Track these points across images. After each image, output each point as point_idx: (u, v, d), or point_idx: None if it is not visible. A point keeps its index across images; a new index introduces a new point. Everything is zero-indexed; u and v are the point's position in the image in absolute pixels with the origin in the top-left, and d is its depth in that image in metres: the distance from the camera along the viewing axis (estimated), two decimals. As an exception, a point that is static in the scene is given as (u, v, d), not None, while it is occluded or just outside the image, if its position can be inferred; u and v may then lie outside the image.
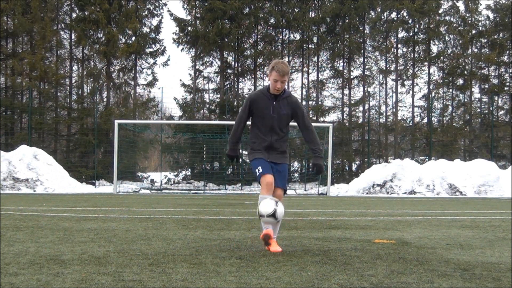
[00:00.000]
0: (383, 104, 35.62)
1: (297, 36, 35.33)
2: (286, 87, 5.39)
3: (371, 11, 34.76)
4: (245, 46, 34.99)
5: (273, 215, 5.04)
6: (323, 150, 5.33)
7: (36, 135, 32.11)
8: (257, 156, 5.32)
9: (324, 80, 35.33)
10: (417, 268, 4.27)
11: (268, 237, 5.16)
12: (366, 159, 32.27)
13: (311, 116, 33.67)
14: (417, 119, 35.41)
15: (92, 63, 33.76)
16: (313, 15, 34.80)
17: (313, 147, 5.35)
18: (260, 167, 5.26)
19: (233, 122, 5.64)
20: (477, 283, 3.74)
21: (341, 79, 34.95)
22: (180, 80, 34.54)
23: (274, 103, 5.28)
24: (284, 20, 34.06)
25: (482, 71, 35.19)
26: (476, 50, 35.25)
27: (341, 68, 35.14)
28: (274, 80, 5.21)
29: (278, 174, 5.32)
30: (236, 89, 34.68)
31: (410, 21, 34.68)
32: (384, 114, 35.33)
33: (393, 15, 35.15)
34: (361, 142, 34.57)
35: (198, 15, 33.82)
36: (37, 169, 23.47)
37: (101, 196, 19.29)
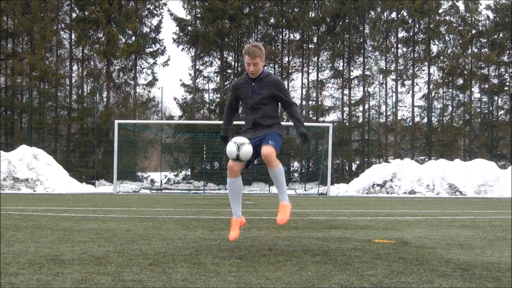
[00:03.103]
0: (383, 104, 35.64)
1: (297, 36, 35.32)
2: (266, 68, 5.53)
3: (371, 11, 34.75)
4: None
5: (237, 158, 5.48)
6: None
7: (36, 135, 32.10)
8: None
9: (324, 80, 35.32)
10: (417, 268, 4.27)
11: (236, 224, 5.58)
12: (366, 159, 32.25)
13: (311, 116, 33.67)
14: (417, 119, 35.42)
15: (92, 63, 33.76)
16: (313, 15, 34.78)
17: (296, 120, 5.52)
18: None
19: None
20: (477, 283, 3.74)
21: (341, 79, 34.95)
22: (180, 80, 34.55)
23: (253, 84, 5.46)
24: (284, 20, 34.05)
25: (482, 71, 35.18)
26: (476, 50, 35.25)
27: (341, 68, 35.13)
28: (247, 64, 5.40)
29: (264, 138, 5.43)
30: (236, 89, 34.61)
31: (410, 21, 34.67)
32: (384, 114, 35.34)
33: (393, 15, 35.14)
34: (361, 142, 34.56)
35: (198, 15, 33.83)
36: (37, 169, 23.47)
37: (101, 196, 19.29)
